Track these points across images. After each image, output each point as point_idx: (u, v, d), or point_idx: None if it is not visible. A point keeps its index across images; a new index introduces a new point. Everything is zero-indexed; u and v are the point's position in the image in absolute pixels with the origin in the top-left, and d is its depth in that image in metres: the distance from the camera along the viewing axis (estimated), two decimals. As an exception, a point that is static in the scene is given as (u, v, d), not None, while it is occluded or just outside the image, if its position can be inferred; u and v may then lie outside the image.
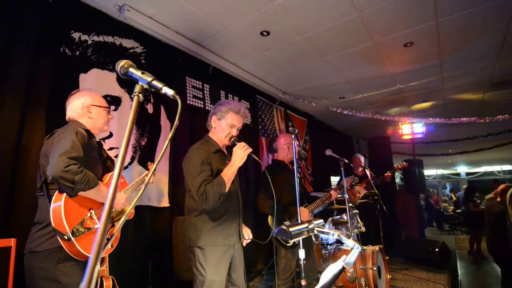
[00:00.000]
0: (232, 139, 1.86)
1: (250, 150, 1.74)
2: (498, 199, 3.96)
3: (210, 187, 1.67)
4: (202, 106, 3.51)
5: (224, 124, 1.88)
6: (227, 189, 1.70)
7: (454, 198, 10.62)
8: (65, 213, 1.37)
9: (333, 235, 0.96)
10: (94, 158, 1.61)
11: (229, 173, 1.72)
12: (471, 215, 5.98)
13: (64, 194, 1.39)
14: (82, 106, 1.65)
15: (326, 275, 0.80)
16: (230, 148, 1.91)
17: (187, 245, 1.84)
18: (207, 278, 1.69)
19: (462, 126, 6.80)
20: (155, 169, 1.30)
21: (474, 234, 5.91)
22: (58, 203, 1.38)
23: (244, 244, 1.98)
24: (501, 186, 4.01)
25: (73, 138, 1.43)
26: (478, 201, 6.36)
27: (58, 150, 1.36)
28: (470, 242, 6.00)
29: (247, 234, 2.01)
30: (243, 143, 1.76)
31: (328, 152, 2.67)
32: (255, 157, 1.74)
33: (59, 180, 1.31)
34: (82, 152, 1.44)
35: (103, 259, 1.84)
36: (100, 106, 1.71)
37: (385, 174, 4.24)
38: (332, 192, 2.69)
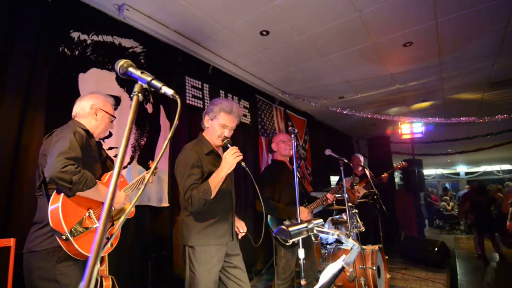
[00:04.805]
0: (225, 140, 1.80)
1: (240, 157, 1.68)
2: None
3: (196, 192, 1.66)
4: (202, 105, 3.51)
5: (216, 124, 1.83)
6: (213, 195, 1.68)
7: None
8: (63, 214, 1.36)
9: (332, 234, 0.96)
10: (93, 158, 1.60)
11: (216, 179, 1.68)
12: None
13: (62, 194, 1.39)
14: (91, 107, 1.67)
15: (326, 275, 0.81)
16: (224, 149, 1.87)
17: (180, 242, 1.85)
18: (197, 276, 1.70)
19: (461, 126, 6.80)
20: (155, 168, 1.30)
21: None
22: (56, 205, 1.38)
23: (239, 237, 1.99)
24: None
25: (71, 138, 1.43)
26: None
27: (56, 151, 1.36)
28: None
29: (241, 227, 2.01)
30: (234, 148, 1.70)
31: (328, 152, 2.67)
32: (245, 165, 1.69)
33: (56, 180, 1.30)
34: (80, 152, 1.43)
35: (102, 259, 1.84)
36: (108, 113, 1.73)
37: (382, 175, 4.22)
38: (329, 195, 2.69)
